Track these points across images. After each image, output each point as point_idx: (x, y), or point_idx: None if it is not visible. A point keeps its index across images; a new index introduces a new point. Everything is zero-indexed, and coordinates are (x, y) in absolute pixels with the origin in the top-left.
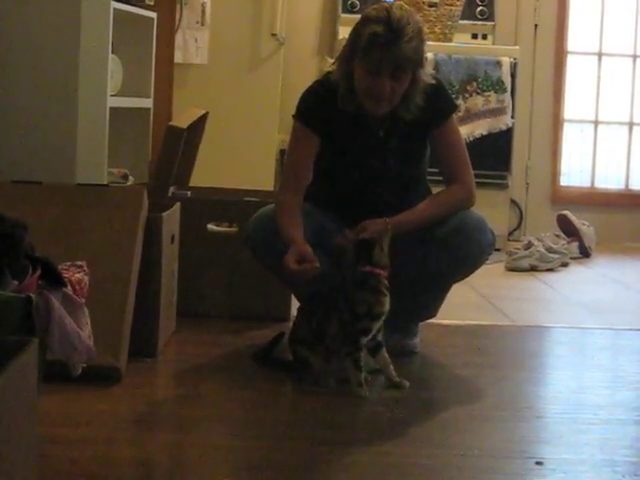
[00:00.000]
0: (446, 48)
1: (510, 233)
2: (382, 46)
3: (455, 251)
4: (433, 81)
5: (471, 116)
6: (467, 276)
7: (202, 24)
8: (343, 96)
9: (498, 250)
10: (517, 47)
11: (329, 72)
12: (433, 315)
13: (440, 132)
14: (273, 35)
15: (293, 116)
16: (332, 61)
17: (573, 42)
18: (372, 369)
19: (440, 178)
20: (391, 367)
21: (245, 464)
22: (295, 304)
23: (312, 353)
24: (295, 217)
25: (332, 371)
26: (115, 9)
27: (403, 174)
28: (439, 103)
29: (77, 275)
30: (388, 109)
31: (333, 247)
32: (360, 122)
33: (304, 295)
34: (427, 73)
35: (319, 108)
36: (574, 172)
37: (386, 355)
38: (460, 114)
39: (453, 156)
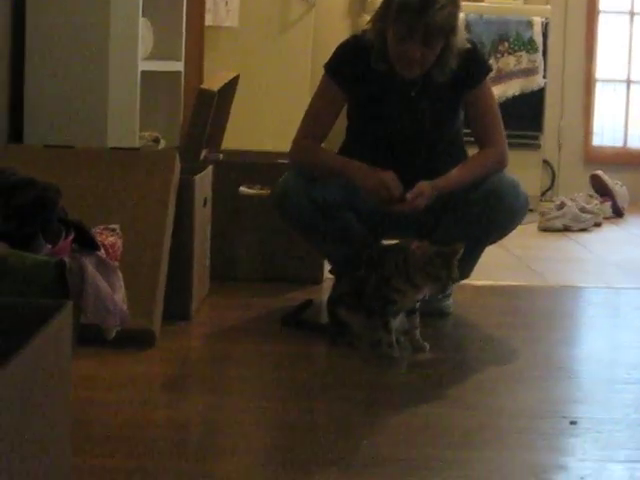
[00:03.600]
0: (477, 8)
1: (543, 193)
2: (413, 13)
3: (489, 214)
4: (468, 45)
5: (503, 76)
6: (501, 238)
7: None
8: (376, 55)
9: (531, 210)
10: (548, 6)
11: (365, 30)
12: (466, 276)
13: (474, 95)
14: None
15: (324, 66)
16: (368, 18)
17: (605, 1)
18: (406, 330)
19: (472, 139)
20: (417, 330)
21: (279, 425)
22: (327, 267)
23: (351, 313)
24: (329, 151)
25: (368, 332)
26: None
27: (435, 135)
28: (473, 66)
29: (110, 238)
30: (419, 73)
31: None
32: (392, 82)
33: (335, 257)
34: (462, 38)
35: (350, 65)
36: (607, 132)
37: (417, 318)
38: (492, 74)
39: (486, 119)
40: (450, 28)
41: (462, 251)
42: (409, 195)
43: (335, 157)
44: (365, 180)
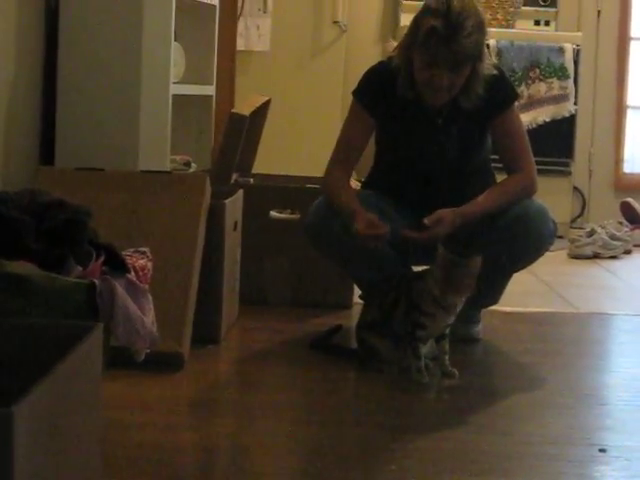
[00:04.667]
0: (509, 35)
1: (573, 220)
2: (440, 41)
3: (516, 241)
4: (495, 72)
5: (534, 103)
6: (529, 265)
7: (264, 11)
8: (403, 83)
9: (561, 237)
10: (580, 33)
11: (392, 56)
12: (495, 302)
13: (501, 121)
14: (335, 22)
15: (353, 93)
16: (395, 45)
17: (636, 28)
18: (435, 356)
19: (500, 165)
20: (446, 356)
21: (307, 451)
22: (357, 292)
23: (380, 339)
24: (351, 191)
25: (397, 358)
26: None
27: (462, 162)
28: (500, 92)
29: (140, 261)
30: (446, 100)
31: (397, 236)
32: (419, 109)
33: (365, 282)
34: (488, 64)
35: (379, 91)
36: (637, 159)
37: (446, 344)
38: (523, 101)
39: (514, 145)
40: (477, 55)
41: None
42: (427, 221)
43: (341, 198)
44: (351, 226)
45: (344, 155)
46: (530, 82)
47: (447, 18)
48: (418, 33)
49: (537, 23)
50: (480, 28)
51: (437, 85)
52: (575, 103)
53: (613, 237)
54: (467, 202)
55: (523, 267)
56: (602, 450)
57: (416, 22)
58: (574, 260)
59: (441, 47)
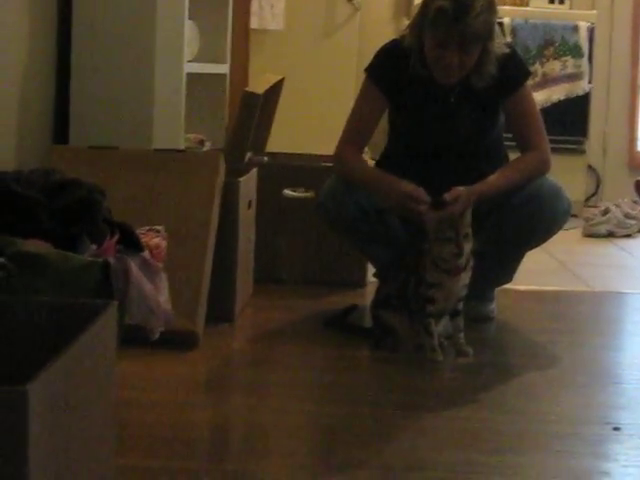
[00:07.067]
0: (523, 13)
1: (587, 199)
2: (449, 21)
3: (530, 219)
4: (507, 50)
5: (548, 81)
6: (543, 243)
7: None
8: (414, 61)
9: (575, 216)
10: (594, 11)
11: (404, 35)
12: (509, 281)
13: (514, 100)
14: (349, 1)
15: (365, 70)
16: (407, 24)
17: None
18: (450, 334)
19: (514, 144)
20: (461, 334)
21: (321, 429)
22: (371, 270)
23: (395, 316)
24: (369, 165)
25: (411, 336)
26: None
27: (474, 141)
28: (512, 71)
29: (155, 240)
30: (458, 78)
31: (411, 215)
32: (431, 87)
33: (379, 261)
34: (499, 43)
35: (391, 69)
36: None
37: (460, 322)
38: (537, 79)
39: (527, 123)
40: (487, 34)
41: (467, 211)
42: (447, 196)
43: (367, 171)
44: (390, 194)
45: (356, 132)
46: (544, 60)
47: None
48: (428, 13)
49: (552, 1)
50: (490, 8)
51: (447, 64)
52: (589, 81)
53: (628, 215)
54: (480, 180)
55: (537, 245)
56: (616, 428)
57: (426, 1)
58: (588, 239)
59: (450, 27)
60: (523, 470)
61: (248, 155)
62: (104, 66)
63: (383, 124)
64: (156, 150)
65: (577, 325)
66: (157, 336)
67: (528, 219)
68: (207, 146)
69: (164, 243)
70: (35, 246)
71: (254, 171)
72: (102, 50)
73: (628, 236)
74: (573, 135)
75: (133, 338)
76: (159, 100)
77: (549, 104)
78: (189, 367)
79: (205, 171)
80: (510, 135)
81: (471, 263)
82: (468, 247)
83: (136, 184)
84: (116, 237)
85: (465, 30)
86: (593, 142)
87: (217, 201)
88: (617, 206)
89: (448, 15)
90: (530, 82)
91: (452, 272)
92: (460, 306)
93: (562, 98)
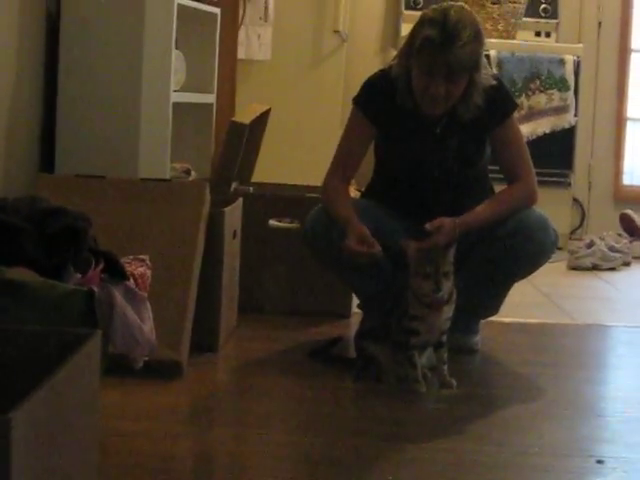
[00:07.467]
0: (509, 46)
1: (572, 232)
2: (435, 49)
3: (517, 250)
4: (493, 82)
5: (534, 114)
6: (529, 275)
7: (265, 20)
8: (401, 91)
9: (560, 249)
10: (580, 45)
11: (391, 65)
12: (494, 313)
13: (500, 131)
14: (336, 32)
15: (353, 100)
16: (395, 54)
17: (637, 40)
18: (433, 366)
19: (501, 176)
20: (445, 366)
21: (305, 460)
22: (356, 301)
23: (379, 348)
24: (347, 201)
25: (394, 368)
26: (179, 5)
27: (461, 172)
28: (499, 103)
29: (140, 269)
30: (444, 109)
31: (395, 247)
32: (417, 118)
33: (363, 292)
34: (486, 74)
35: (379, 99)
36: (637, 171)
37: (444, 354)
38: (523, 112)
39: (514, 155)
40: (474, 64)
41: (451, 248)
42: (429, 226)
43: (340, 207)
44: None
45: (343, 163)
46: (530, 93)
47: (443, 28)
48: (415, 42)
49: (538, 34)
50: (477, 38)
51: (433, 94)
52: (575, 115)
53: (612, 249)
54: (466, 212)
55: (524, 276)
56: (600, 462)
57: (413, 31)
58: (573, 271)
59: (437, 56)
60: None
61: (234, 185)
62: (91, 95)
63: (369, 155)
64: (142, 179)
65: (561, 358)
66: (141, 365)
67: (516, 251)
68: (193, 175)
69: (149, 272)
70: (19, 274)
71: (239, 201)
72: (89, 79)
73: (612, 269)
74: (558, 168)
75: (117, 367)
76: (145, 129)
77: (535, 137)
78: (173, 397)
79: (191, 201)
80: (497, 167)
81: (454, 296)
82: (447, 285)
83: (122, 213)
84: (101, 266)
85: (451, 59)
86: (578, 175)
87: (202, 231)
88: (602, 239)
89: (435, 44)
90: (516, 115)
91: (433, 306)
92: (444, 338)
93: (548, 131)
